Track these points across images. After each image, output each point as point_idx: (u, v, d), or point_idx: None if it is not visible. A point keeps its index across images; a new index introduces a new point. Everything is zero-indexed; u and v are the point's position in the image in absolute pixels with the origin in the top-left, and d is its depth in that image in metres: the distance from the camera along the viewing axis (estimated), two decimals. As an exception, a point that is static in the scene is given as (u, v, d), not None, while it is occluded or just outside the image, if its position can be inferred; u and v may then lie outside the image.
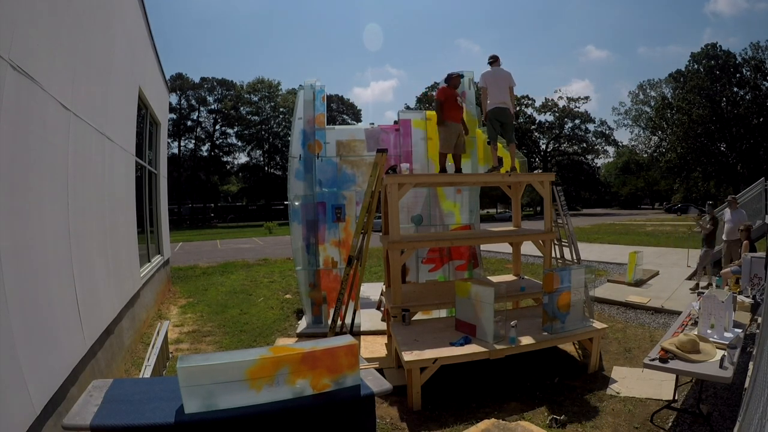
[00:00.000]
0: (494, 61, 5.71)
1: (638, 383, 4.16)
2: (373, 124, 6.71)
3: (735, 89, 37.07)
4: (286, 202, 6.96)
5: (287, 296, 8.57)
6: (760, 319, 4.25)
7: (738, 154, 36.52)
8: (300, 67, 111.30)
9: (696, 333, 3.74)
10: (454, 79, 5.69)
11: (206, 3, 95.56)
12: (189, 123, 49.03)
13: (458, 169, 5.83)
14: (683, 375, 3.45)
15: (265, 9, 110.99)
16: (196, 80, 48.70)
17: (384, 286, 6.01)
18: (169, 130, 32.60)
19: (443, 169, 5.77)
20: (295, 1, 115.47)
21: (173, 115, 45.89)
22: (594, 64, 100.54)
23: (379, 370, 3.21)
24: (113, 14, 4.81)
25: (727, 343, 3.40)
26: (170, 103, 20.48)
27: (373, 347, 5.47)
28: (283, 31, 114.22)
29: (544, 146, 53.61)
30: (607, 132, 52.67)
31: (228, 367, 2.20)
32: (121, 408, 2.18)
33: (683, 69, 39.69)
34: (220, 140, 51.30)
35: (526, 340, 4.17)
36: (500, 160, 5.77)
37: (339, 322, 5.24)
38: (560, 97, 52.15)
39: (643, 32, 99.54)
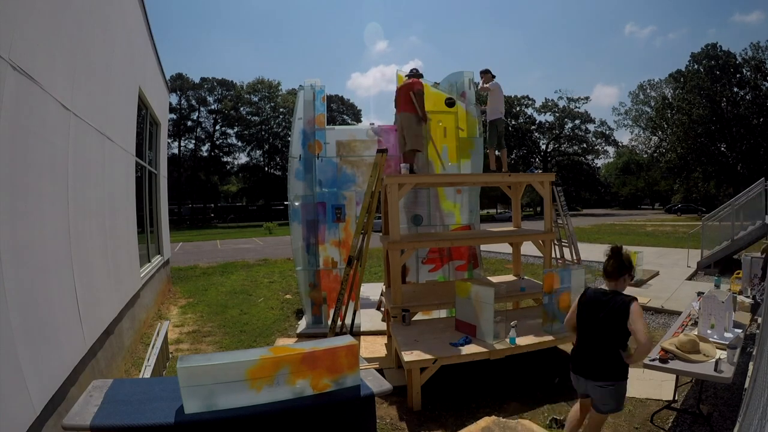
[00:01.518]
0: (492, 74, 5.83)
1: (638, 383, 4.15)
2: (373, 124, 6.72)
3: (735, 89, 37.03)
4: (286, 203, 6.97)
5: (287, 296, 8.57)
6: (760, 319, 4.25)
7: (738, 154, 36.48)
8: (310, 47, 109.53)
9: (696, 333, 3.74)
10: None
11: (207, 3, 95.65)
12: (189, 123, 49.02)
13: (411, 169, 5.56)
14: (683, 375, 3.45)
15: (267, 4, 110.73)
16: (196, 80, 48.72)
17: (384, 287, 6.01)
18: (169, 130, 32.61)
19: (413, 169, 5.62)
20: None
21: (173, 115, 45.89)
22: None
23: (379, 371, 3.21)
24: (113, 14, 4.81)
25: (727, 343, 3.40)
26: (170, 103, 20.51)
27: (373, 347, 5.47)
28: (293, 14, 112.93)
29: (544, 146, 53.60)
30: (607, 132, 52.73)
31: (228, 367, 2.20)
32: (121, 408, 2.18)
33: (683, 69, 39.73)
34: (220, 140, 51.30)
35: (526, 340, 4.17)
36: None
37: (339, 323, 5.24)
38: (560, 98, 52.26)
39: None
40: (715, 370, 3.03)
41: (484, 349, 3.98)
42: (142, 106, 7.07)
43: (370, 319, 6.47)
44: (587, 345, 2.70)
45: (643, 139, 48.23)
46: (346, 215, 6.38)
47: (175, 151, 47.53)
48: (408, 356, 3.84)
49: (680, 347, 3.34)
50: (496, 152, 6.05)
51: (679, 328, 4.00)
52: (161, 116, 8.84)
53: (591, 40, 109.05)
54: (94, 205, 4.19)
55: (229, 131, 50.91)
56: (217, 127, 50.42)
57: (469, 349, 3.99)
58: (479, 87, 6.03)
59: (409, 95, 5.46)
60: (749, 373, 3.33)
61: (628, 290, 2.87)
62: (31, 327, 2.62)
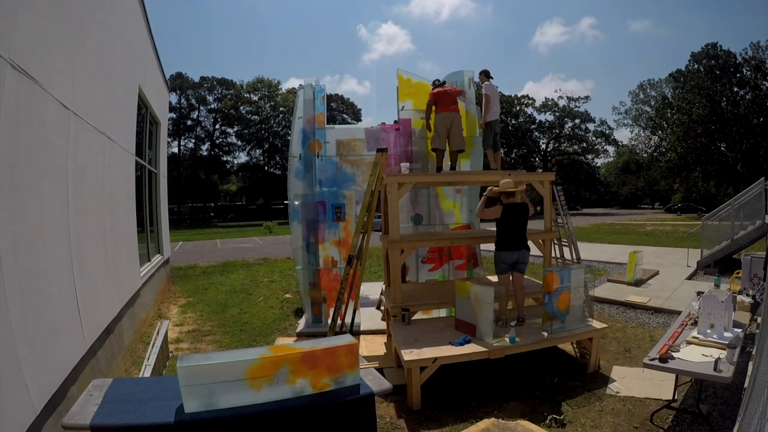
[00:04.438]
0: (489, 75, 6.02)
1: (638, 383, 4.16)
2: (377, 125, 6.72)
3: (735, 89, 37.02)
4: (285, 202, 6.99)
5: (287, 295, 8.58)
6: (759, 319, 4.25)
7: (738, 154, 36.49)
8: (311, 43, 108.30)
9: (696, 334, 3.75)
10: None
11: (207, 2, 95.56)
12: (189, 122, 49.01)
13: (453, 168, 5.87)
14: (683, 375, 3.45)
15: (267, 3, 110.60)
16: (196, 79, 48.70)
17: (384, 286, 6.02)
18: (168, 129, 32.55)
19: (440, 168, 5.80)
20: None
21: (173, 115, 45.86)
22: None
23: (379, 370, 3.21)
24: (113, 14, 4.81)
25: (726, 342, 3.40)
26: (170, 103, 20.49)
27: (373, 346, 5.47)
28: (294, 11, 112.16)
29: (544, 146, 53.61)
30: (607, 132, 52.72)
31: (228, 366, 2.20)
32: (121, 407, 2.18)
33: (683, 69, 39.74)
34: (220, 139, 51.30)
35: (526, 340, 4.18)
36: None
37: (339, 322, 5.24)
38: (560, 97, 52.26)
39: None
40: (715, 369, 3.04)
41: (484, 349, 3.98)
42: (142, 105, 7.07)
43: (369, 318, 6.47)
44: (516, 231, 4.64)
45: (643, 139, 48.27)
46: (346, 214, 6.38)
47: (175, 150, 47.54)
48: (408, 355, 3.85)
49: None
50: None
51: (678, 327, 4.00)
52: (161, 115, 8.83)
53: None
54: (94, 205, 4.19)
55: (229, 130, 50.91)
56: (217, 126, 50.41)
57: (469, 349, 3.99)
58: (480, 88, 6.25)
59: (458, 101, 5.87)
60: (749, 373, 3.33)
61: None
62: (31, 327, 2.62)
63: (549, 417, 3.51)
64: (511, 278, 4.67)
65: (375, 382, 2.54)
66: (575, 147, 53.09)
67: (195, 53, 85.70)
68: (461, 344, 4.06)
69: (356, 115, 54.00)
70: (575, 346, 5.06)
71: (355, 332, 5.70)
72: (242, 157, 53.06)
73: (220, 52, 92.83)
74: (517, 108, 51.16)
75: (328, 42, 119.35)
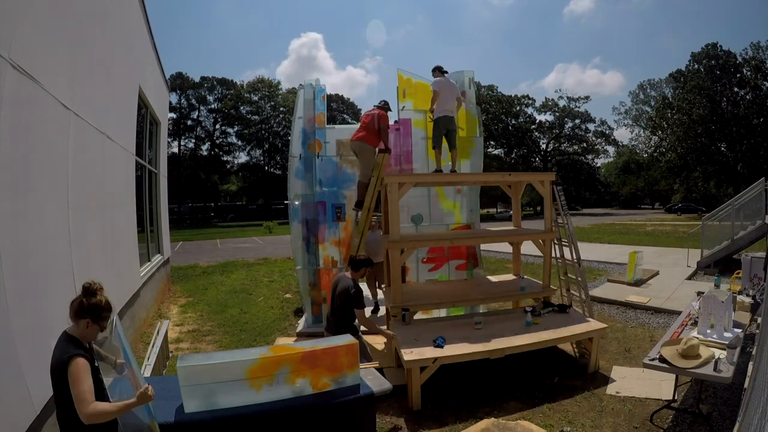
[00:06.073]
0: (443, 71, 5.90)
1: (638, 383, 4.16)
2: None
3: (735, 89, 36.97)
4: (286, 202, 6.98)
5: (287, 295, 8.58)
6: (760, 319, 4.25)
7: (738, 154, 36.46)
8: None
9: (696, 334, 3.74)
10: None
11: (207, 1, 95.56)
12: (189, 122, 48.98)
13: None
14: (683, 375, 3.45)
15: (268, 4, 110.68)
16: (196, 79, 48.67)
17: (384, 286, 6.01)
18: (169, 129, 32.61)
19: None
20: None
21: (173, 115, 45.85)
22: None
23: (379, 370, 3.21)
24: (113, 14, 4.81)
25: (726, 343, 3.40)
26: (170, 102, 20.49)
27: (373, 346, 5.46)
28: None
29: (544, 146, 53.58)
30: (607, 132, 52.69)
31: (228, 366, 2.20)
32: (121, 407, 2.18)
33: (683, 69, 39.73)
34: (220, 139, 51.29)
35: (525, 339, 4.17)
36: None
37: (339, 322, 5.23)
38: (560, 97, 52.23)
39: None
40: (715, 369, 3.04)
41: (484, 349, 3.98)
42: (142, 105, 7.07)
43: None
44: None
45: (644, 139, 48.27)
46: (346, 214, 6.38)
47: (175, 150, 47.50)
48: (408, 355, 3.85)
49: (683, 354, 3.16)
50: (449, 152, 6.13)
51: (679, 327, 4.00)
52: (161, 115, 8.84)
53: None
54: (94, 205, 4.19)
55: (229, 130, 50.89)
56: (217, 126, 50.40)
57: (469, 349, 3.99)
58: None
59: (374, 125, 5.52)
60: (749, 373, 3.33)
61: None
62: (31, 326, 2.62)
63: (559, 430, 3.42)
64: None
65: (375, 382, 2.54)
66: (575, 147, 53.06)
67: (195, 53, 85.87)
68: (440, 345, 4.01)
69: (356, 115, 53.98)
70: (575, 346, 5.06)
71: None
72: (242, 157, 53.11)
73: (222, 47, 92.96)
74: (517, 108, 51.13)
75: (347, 19, 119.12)
